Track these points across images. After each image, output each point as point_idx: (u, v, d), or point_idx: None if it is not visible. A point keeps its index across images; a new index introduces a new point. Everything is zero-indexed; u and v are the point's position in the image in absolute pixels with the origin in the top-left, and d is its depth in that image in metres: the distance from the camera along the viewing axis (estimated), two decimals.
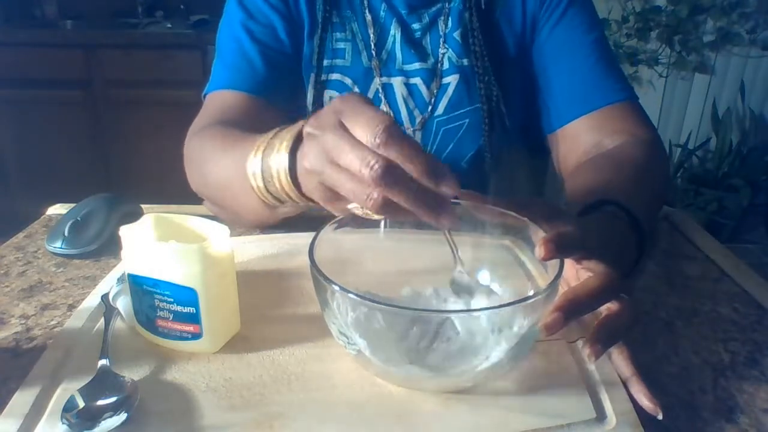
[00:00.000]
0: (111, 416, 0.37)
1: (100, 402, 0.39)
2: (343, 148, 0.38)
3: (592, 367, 0.44)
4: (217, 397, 0.40)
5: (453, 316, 0.43)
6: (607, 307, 0.43)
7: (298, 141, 0.47)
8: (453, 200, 0.49)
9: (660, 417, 0.39)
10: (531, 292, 0.44)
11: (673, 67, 2.40)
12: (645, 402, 0.40)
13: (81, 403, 0.38)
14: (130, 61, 2.20)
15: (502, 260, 0.48)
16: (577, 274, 0.45)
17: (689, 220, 0.74)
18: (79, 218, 0.64)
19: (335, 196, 0.42)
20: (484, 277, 0.50)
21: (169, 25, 2.46)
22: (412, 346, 0.40)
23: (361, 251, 0.48)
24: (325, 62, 0.80)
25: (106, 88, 2.26)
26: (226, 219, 0.67)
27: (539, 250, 0.40)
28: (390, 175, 0.37)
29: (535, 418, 0.39)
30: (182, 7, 2.56)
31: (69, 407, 0.38)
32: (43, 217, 0.74)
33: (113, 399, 0.39)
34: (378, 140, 0.37)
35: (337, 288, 0.38)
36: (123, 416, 0.37)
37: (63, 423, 0.37)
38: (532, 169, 0.96)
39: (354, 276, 0.45)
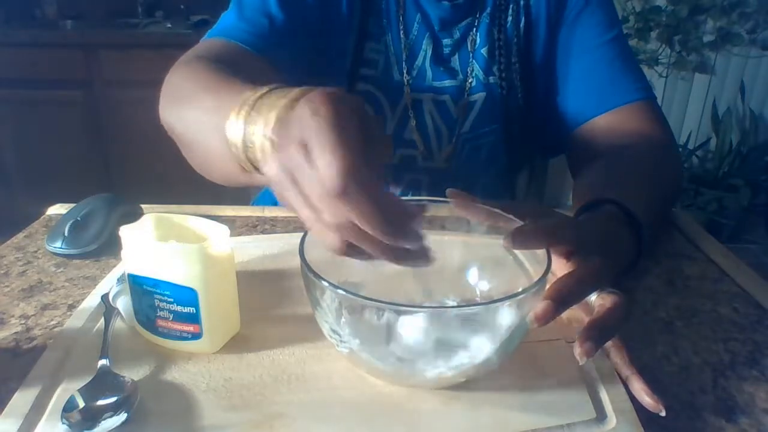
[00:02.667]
0: (111, 416, 0.37)
1: (100, 402, 0.39)
2: (303, 181, 0.35)
3: (592, 366, 0.44)
4: (217, 397, 0.40)
5: (441, 312, 0.43)
6: (600, 304, 0.43)
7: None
8: (443, 200, 0.49)
9: (663, 413, 0.39)
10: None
11: (673, 67, 2.40)
12: (646, 399, 0.40)
13: (81, 403, 0.38)
14: (130, 61, 2.20)
15: (499, 258, 0.48)
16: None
17: (689, 220, 0.74)
18: (79, 218, 0.64)
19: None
20: (472, 275, 0.51)
21: (169, 25, 2.46)
22: (401, 342, 0.40)
23: None
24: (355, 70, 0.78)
25: (106, 88, 2.26)
26: (193, 164, 0.61)
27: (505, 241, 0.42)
28: (345, 228, 0.35)
29: (535, 418, 0.39)
30: (182, 7, 2.56)
31: (69, 407, 0.38)
32: (43, 217, 0.74)
33: (113, 399, 0.39)
34: (334, 191, 0.34)
35: (326, 284, 0.38)
36: (123, 416, 0.37)
37: (63, 423, 0.37)
38: (536, 169, 0.96)
39: (346, 275, 0.46)
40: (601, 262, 0.43)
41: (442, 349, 0.40)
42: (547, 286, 0.41)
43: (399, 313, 0.41)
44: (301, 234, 0.43)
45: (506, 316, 0.40)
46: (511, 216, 0.47)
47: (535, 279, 0.40)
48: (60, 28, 2.50)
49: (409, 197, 0.52)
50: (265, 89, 0.44)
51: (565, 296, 0.40)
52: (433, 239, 0.54)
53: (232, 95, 0.46)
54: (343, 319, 0.42)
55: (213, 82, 0.54)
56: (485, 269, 0.50)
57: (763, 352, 0.49)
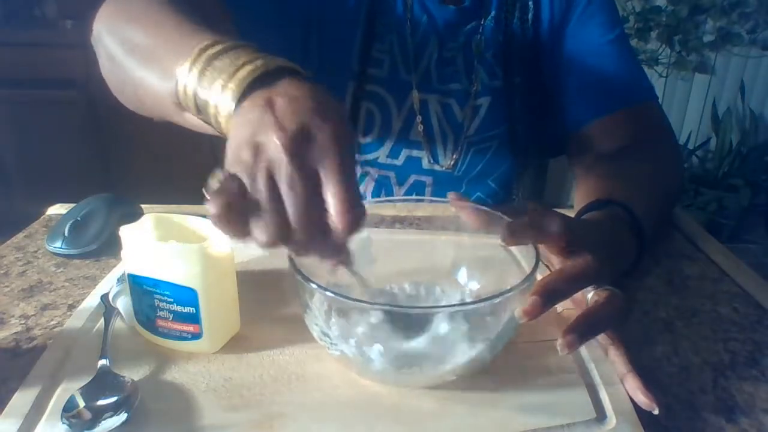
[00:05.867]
0: (111, 416, 0.37)
1: (100, 402, 0.39)
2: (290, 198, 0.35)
3: (592, 366, 0.44)
4: (217, 397, 0.40)
5: (430, 312, 0.43)
6: (595, 300, 0.43)
7: (250, 88, 0.40)
8: (442, 200, 0.50)
9: (656, 412, 0.40)
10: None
11: (673, 67, 2.40)
12: (640, 397, 0.40)
13: (81, 403, 0.38)
14: None
15: (491, 258, 0.49)
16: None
17: (689, 220, 0.74)
18: (79, 218, 0.64)
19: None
20: (462, 274, 0.51)
21: None
22: (392, 343, 0.40)
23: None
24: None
25: (106, 88, 2.26)
26: (113, 83, 0.60)
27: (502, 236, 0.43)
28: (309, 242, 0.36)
29: (535, 418, 0.39)
30: None
31: (69, 407, 0.38)
32: (43, 217, 0.74)
33: (113, 399, 0.39)
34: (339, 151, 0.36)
35: (315, 286, 0.38)
36: (123, 416, 0.37)
37: (63, 423, 0.37)
38: (536, 169, 0.96)
39: (335, 278, 0.46)
40: (591, 259, 0.43)
41: (432, 348, 0.40)
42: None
43: (387, 314, 0.41)
44: None
45: (496, 314, 0.40)
46: (509, 219, 0.47)
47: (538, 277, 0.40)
48: (60, 28, 2.50)
49: (412, 197, 0.53)
50: (219, 44, 0.43)
51: (552, 292, 0.40)
52: (427, 239, 0.54)
53: (187, 37, 0.46)
54: (332, 320, 0.42)
55: (173, 14, 0.51)
56: (476, 268, 0.51)
57: (763, 352, 0.49)
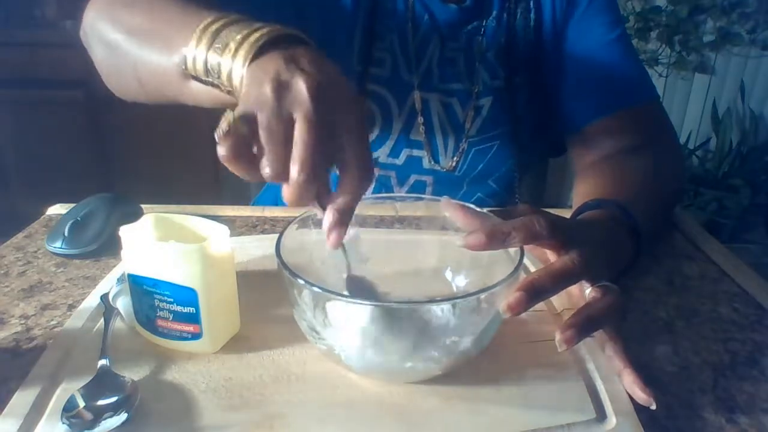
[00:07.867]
0: (111, 416, 0.37)
1: (100, 402, 0.39)
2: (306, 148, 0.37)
3: (592, 366, 0.44)
4: (217, 397, 0.40)
5: (416, 307, 0.43)
6: (593, 297, 0.43)
7: (262, 51, 0.41)
8: (435, 198, 0.50)
9: (653, 407, 0.40)
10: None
11: (673, 67, 2.39)
12: (638, 393, 0.40)
13: (81, 403, 0.38)
14: None
15: (478, 255, 0.49)
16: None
17: (689, 220, 0.74)
18: (79, 218, 0.64)
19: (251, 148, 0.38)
20: (449, 271, 0.51)
21: None
22: (377, 337, 0.40)
23: (328, 249, 0.49)
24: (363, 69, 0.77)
25: (106, 88, 2.26)
26: (106, 71, 0.62)
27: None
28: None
29: (535, 418, 0.39)
30: None
31: (69, 407, 0.38)
32: (43, 217, 0.74)
33: (113, 399, 0.39)
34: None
35: (302, 282, 0.38)
36: (123, 416, 0.37)
37: (63, 423, 0.37)
38: (536, 169, 0.96)
39: (324, 275, 0.46)
40: (578, 257, 0.43)
41: (418, 343, 0.40)
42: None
43: (373, 309, 0.41)
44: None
45: (481, 309, 0.40)
46: (498, 219, 0.47)
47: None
48: (60, 28, 2.50)
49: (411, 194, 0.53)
50: (220, 19, 0.44)
51: (537, 288, 0.40)
52: (415, 237, 0.55)
53: (191, 16, 0.47)
54: (319, 315, 0.42)
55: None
56: (463, 265, 0.51)
57: (763, 352, 0.49)
